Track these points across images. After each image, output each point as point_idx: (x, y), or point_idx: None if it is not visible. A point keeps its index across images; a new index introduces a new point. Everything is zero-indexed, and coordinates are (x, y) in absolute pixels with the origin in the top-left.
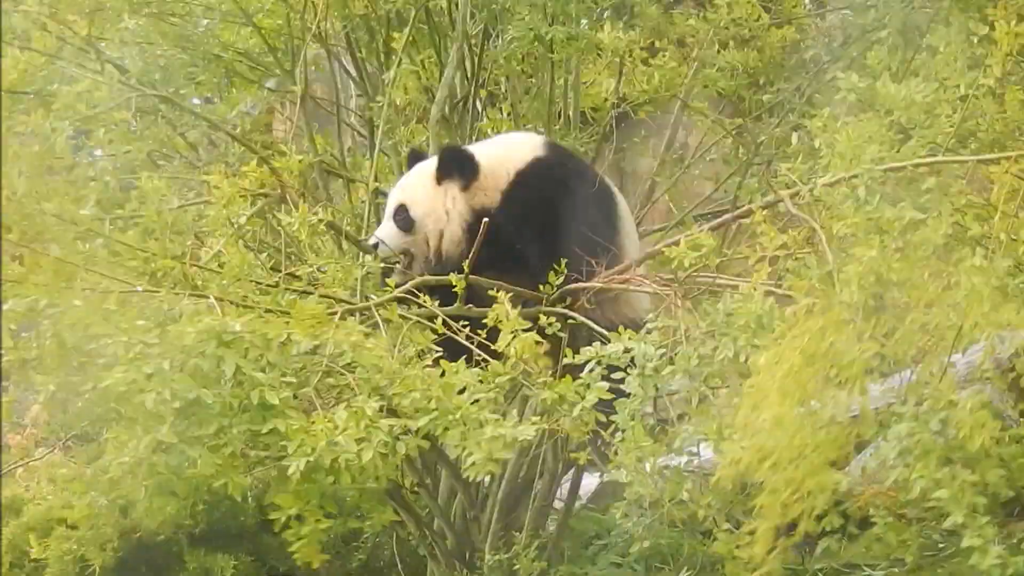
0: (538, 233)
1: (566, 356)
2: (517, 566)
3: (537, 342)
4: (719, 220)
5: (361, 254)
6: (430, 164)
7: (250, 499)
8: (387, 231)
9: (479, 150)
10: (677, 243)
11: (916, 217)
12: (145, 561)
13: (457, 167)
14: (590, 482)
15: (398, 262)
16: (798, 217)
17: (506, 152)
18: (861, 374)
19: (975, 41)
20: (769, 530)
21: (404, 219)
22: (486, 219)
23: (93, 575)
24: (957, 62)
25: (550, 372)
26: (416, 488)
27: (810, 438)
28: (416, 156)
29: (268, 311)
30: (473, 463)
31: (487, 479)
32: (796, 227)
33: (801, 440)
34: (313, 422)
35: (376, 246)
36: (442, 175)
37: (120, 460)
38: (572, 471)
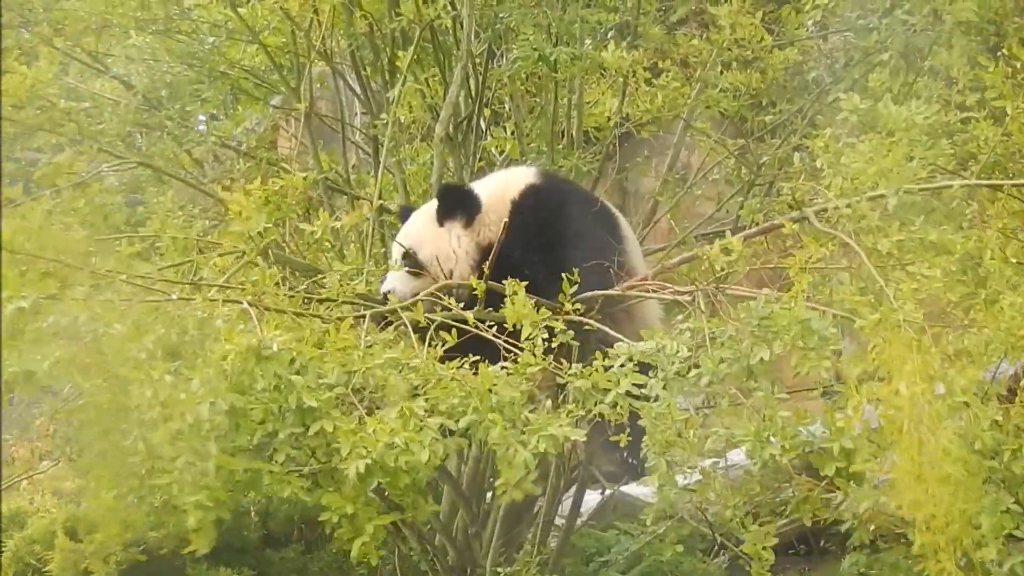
0: (543, 256)
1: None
2: None
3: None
4: (750, 231)
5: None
6: (430, 206)
7: (253, 514)
8: (397, 277)
9: (477, 187)
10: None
11: (965, 243)
12: (148, 574)
13: (458, 205)
14: (592, 499)
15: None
16: (826, 233)
17: (503, 185)
18: (975, 400)
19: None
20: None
21: (413, 264)
22: (491, 228)
23: None
24: (960, 84)
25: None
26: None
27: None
28: (407, 211)
29: (298, 314)
30: (520, 461)
31: (489, 495)
32: (823, 243)
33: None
34: (362, 422)
35: (387, 295)
36: (444, 215)
37: (178, 480)
38: (574, 488)
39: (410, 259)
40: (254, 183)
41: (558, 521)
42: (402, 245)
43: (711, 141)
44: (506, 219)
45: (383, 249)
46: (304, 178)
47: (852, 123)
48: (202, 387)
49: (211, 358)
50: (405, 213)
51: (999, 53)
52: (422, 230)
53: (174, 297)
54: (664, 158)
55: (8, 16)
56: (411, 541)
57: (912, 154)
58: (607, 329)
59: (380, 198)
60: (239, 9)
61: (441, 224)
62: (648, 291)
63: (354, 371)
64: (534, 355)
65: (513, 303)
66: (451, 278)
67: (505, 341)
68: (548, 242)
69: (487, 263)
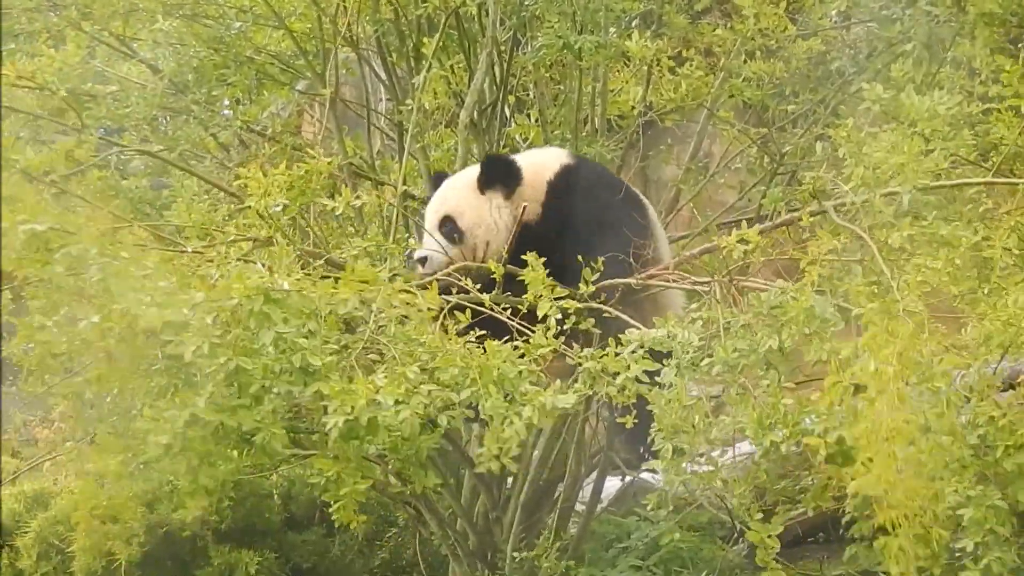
0: (576, 239)
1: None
2: (538, 567)
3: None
4: (767, 225)
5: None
6: (469, 174)
7: (275, 497)
8: (435, 244)
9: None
10: (714, 248)
11: (972, 238)
12: (171, 556)
13: (502, 174)
14: (612, 485)
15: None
16: (843, 226)
17: (540, 162)
18: (948, 386)
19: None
20: (903, 548)
21: (451, 230)
22: (524, 203)
23: (119, 568)
24: (982, 75)
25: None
26: (439, 488)
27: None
28: (440, 178)
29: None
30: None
31: (510, 480)
32: (836, 235)
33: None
34: (351, 380)
35: (424, 260)
36: (486, 183)
37: (157, 440)
38: (594, 474)
39: (449, 225)
40: (279, 167)
41: (578, 507)
42: (441, 211)
43: (734, 130)
44: (542, 199)
45: (408, 235)
46: (329, 163)
47: (874, 113)
48: (198, 328)
49: (219, 293)
50: (437, 179)
51: (1021, 44)
52: (463, 197)
53: (188, 250)
54: (687, 147)
55: (37, 0)
56: (432, 526)
57: (932, 146)
58: (626, 317)
59: (404, 184)
60: None
61: (482, 192)
62: (668, 280)
63: (370, 303)
64: (546, 337)
65: (531, 282)
66: (487, 249)
67: (519, 323)
68: (583, 226)
69: (515, 228)
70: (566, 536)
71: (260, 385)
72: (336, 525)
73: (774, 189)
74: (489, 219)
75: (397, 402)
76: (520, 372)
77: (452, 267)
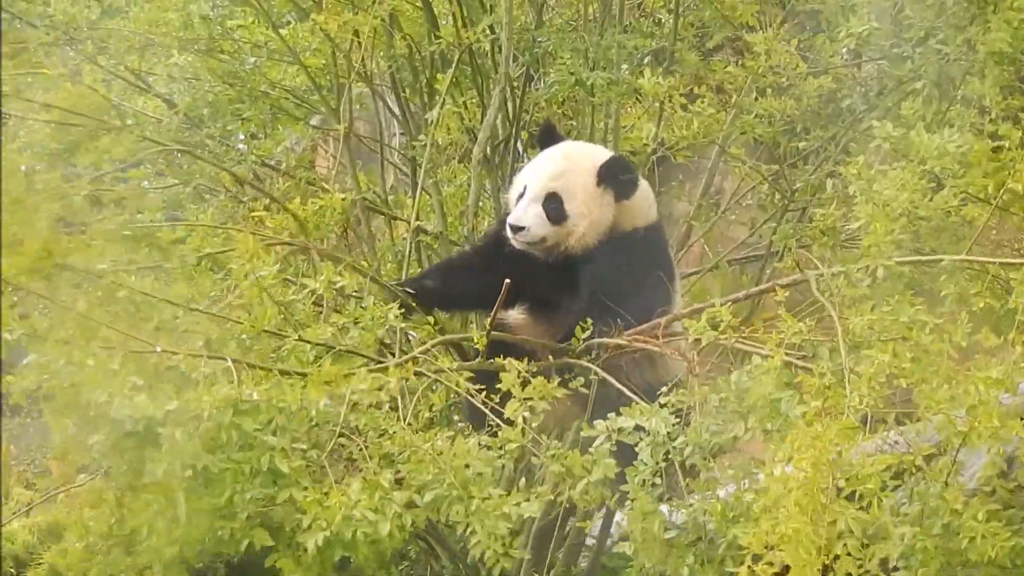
0: (624, 292)
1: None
2: None
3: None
4: (738, 296)
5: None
6: (592, 155)
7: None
8: (536, 218)
9: None
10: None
11: (933, 322)
12: None
13: (624, 184)
14: (622, 519)
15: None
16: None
17: (649, 201)
18: (877, 489)
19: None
20: None
21: (557, 210)
22: (507, 280)
23: None
24: (992, 113)
25: (573, 423)
26: (450, 522)
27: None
28: (550, 132)
29: (284, 373)
30: (477, 542)
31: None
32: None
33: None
34: (326, 493)
35: (522, 229)
36: (605, 179)
37: (150, 526)
38: (604, 508)
39: (555, 203)
40: (293, 202)
41: (589, 541)
42: (552, 186)
43: (745, 167)
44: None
45: (420, 271)
46: (343, 198)
47: (885, 151)
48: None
49: (189, 406)
50: (548, 130)
51: None
52: (578, 181)
53: (157, 350)
54: (698, 183)
55: (54, 35)
56: (443, 559)
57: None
58: (612, 380)
59: (417, 219)
60: (280, 30)
61: (598, 184)
62: (655, 342)
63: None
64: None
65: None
66: (579, 242)
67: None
68: (638, 284)
69: (499, 299)
70: (576, 570)
71: (231, 491)
72: (349, 558)
73: (785, 226)
74: (597, 214)
75: (374, 512)
76: (488, 473)
77: (433, 343)
